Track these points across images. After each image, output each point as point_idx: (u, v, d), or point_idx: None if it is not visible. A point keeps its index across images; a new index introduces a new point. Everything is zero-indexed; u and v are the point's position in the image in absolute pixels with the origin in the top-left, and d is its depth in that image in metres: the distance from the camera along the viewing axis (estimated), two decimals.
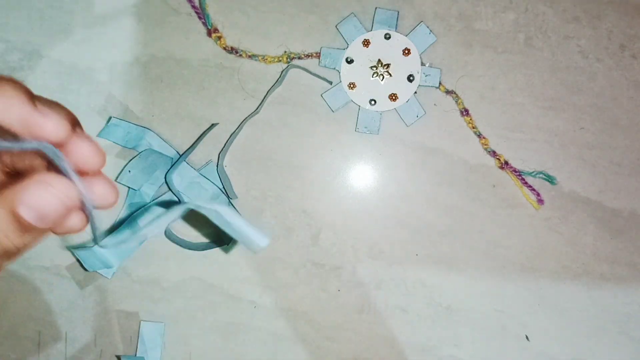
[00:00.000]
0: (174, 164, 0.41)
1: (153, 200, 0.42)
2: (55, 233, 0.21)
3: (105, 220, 0.43)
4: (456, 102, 0.41)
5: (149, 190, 0.42)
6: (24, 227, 0.20)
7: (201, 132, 0.42)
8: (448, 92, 0.41)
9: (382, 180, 0.42)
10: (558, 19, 0.41)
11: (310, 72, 0.41)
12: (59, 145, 0.19)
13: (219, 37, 0.41)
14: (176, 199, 0.42)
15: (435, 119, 0.42)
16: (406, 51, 0.41)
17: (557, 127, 0.42)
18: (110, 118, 0.42)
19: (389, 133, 0.42)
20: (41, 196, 0.19)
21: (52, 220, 0.20)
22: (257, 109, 0.42)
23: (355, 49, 0.41)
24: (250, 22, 0.42)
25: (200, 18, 0.41)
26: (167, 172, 0.41)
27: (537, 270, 0.42)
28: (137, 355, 0.42)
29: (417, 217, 0.42)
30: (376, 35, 0.41)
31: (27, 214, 0.19)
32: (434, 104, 0.42)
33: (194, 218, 0.43)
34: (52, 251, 0.43)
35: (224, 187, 0.42)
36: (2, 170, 0.21)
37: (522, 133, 0.42)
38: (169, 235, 0.42)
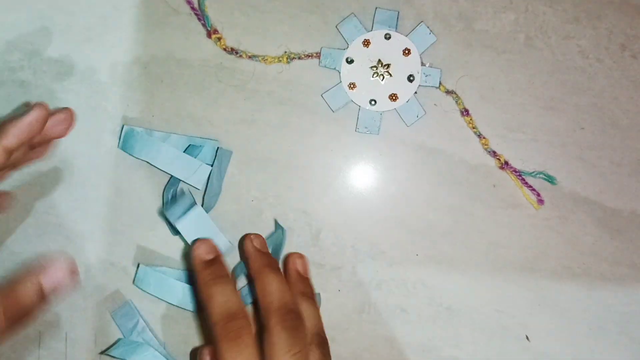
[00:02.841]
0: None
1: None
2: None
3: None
4: (456, 102, 0.41)
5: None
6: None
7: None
8: (448, 92, 0.41)
9: (382, 181, 0.42)
10: (558, 19, 0.41)
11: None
12: None
13: (219, 38, 0.41)
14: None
15: (436, 119, 0.42)
16: (406, 51, 0.41)
17: (557, 127, 0.42)
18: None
19: (389, 133, 0.42)
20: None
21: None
22: None
23: (355, 49, 0.41)
24: (250, 22, 0.42)
25: (199, 19, 0.41)
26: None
27: (537, 270, 0.42)
28: None
29: (417, 217, 0.42)
30: (376, 36, 0.41)
31: None
32: (434, 104, 0.42)
33: None
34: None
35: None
36: None
37: (523, 133, 0.42)
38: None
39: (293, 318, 0.34)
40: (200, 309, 0.42)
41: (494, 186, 0.42)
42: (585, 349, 0.43)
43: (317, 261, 0.43)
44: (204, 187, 0.41)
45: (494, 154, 0.42)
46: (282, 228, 0.41)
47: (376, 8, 0.41)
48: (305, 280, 0.40)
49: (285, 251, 0.42)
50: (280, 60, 0.42)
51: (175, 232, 0.42)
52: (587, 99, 0.42)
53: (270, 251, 0.41)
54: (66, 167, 0.43)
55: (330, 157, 0.42)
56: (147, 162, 0.41)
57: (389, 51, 0.41)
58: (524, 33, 0.41)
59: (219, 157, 0.41)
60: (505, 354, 0.43)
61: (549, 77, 0.42)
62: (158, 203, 0.43)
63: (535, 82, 0.42)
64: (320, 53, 0.41)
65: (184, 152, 0.42)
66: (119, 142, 0.42)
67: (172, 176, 0.41)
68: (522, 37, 0.41)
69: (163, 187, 0.42)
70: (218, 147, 0.41)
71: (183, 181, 0.41)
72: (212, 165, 0.41)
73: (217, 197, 0.42)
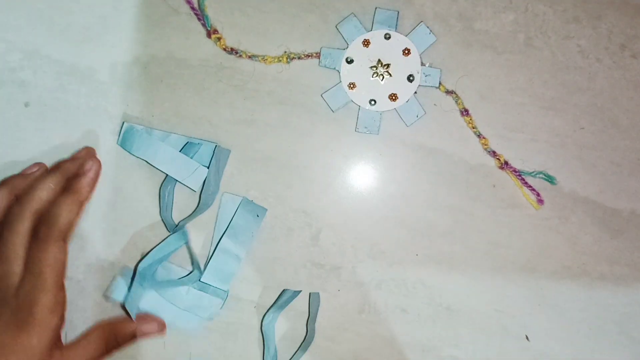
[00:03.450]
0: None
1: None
2: None
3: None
4: (456, 102, 0.41)
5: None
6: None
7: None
8: (448, 92, 0.41)
9: (382, 180, 0.42)
10: (558, 19, 0.41)
11: None
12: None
13: (219, 39, 0.41)
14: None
15: (435, 119, 0.42)
16: (406, 51, 0.41)
17: (557, 127, 0.42)
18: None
19: (389, 133, 0.42)
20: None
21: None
22: None
23: (355, 49, 0.41)
24: (250, 22, 0.42)
25: (199, 19, 0.41)
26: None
27: (537, 270, 0.42)
28: None
29: (417, 217, 0.42)
30: (376, 35, 0.41)
31: None
32: (434, 104, 0.42)
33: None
34: None
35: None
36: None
37: (522, 133, 0.42)
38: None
39: None
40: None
41: (494, 186, 0.42)
42: (585, 349, 0.43)
43: (317, 261, 0.43)
44: (200, 188, 0.42)
45: (493, 154, 0.42)
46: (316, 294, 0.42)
47: (376, 8, 0.41)
48: None
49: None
50: (280, 60, 0.42)
51: (174, 231, 0.42)
52: (587, 99, 0.42)
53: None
54: None
55: (330, 157, 0.42)
56: (147, 162, 0.41)
57: (389, 51, 0.41)
58: (524, 33, 0.41)
59: (217, 156, 0.41)
60: (505, 354, 0.43)
61: (549, 77, 0.42)
62: (157, 203, 0.43)
63: (535, 82, 0.42)
64: (320, 53, 0.41)
65: (181, 149, 0.42)
66: (118, 138, 0.42)
67: (167, 175, 0.41)
68: (522, 37, 0.41)
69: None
70: (216, 146, 0.41)
71: (179, 182, 0.41)
72: (209, 165, 0.41)
73: (214, 195, 0.42)
